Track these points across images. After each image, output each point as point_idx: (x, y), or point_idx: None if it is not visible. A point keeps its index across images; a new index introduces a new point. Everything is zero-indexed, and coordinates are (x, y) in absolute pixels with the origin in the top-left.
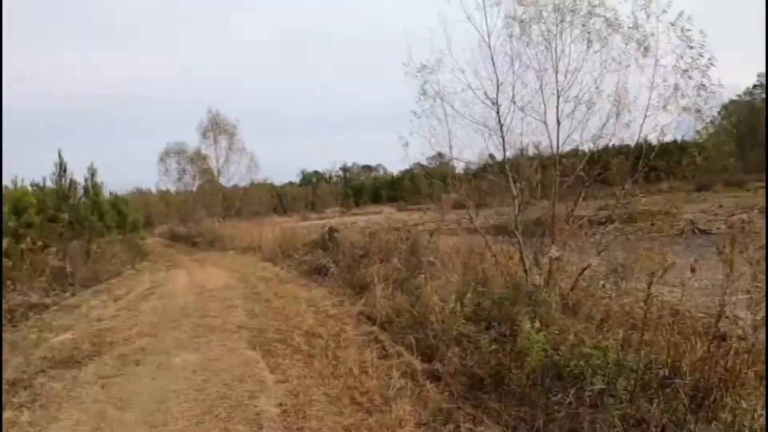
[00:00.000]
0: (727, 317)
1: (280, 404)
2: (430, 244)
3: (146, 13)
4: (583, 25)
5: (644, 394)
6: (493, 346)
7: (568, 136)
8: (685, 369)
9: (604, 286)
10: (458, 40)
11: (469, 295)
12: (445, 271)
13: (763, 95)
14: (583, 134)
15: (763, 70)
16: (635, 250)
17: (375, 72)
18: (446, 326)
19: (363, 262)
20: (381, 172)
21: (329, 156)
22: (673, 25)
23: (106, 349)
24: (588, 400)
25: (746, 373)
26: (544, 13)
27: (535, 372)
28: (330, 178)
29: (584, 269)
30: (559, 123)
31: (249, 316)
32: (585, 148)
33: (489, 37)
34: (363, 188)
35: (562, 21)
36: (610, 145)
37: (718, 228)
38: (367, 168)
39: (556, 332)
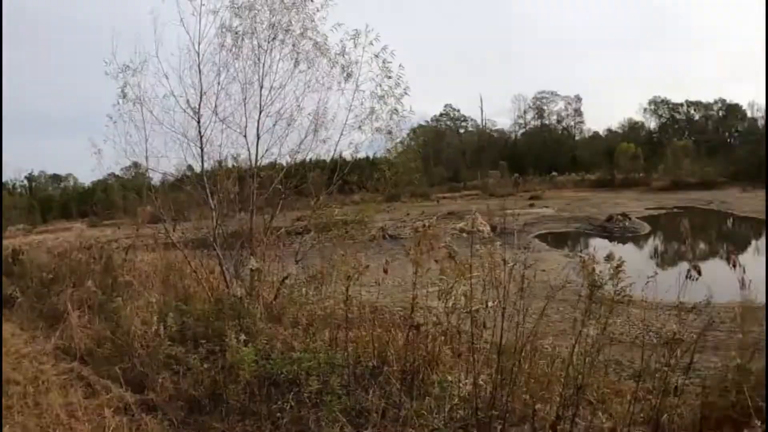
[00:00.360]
0: (421, 308)
1: None
2: (126, 262)
3: None
4: (294, 45)
5: (359, 386)
6: (205, 365)
7: (267, 150)
8: (391, 357)
9: (306, 292)
10: (167, 43)
11: (171, 314)
12: (145, 291)
13: (448, 122)
14: (282, 148)
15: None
16: (332, 257)
17: (70, 68)
18: (152, 351)
19: (54, 288)
20: (71, 182)
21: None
22: (377, 56)
23: None
24: (308, 401)
25: (444, 353)
26: (259, 28)
27: (250, 384)
28: (14, 188)
29: (285, 278)
30: (259, 137)
31: None
32: (283, 161)
33: (199, 44)
34: (51, 201)
35: (275, 38)
36: (308, 159)
37: (407, 233)
38: (56, 177)
39: (265, 341)
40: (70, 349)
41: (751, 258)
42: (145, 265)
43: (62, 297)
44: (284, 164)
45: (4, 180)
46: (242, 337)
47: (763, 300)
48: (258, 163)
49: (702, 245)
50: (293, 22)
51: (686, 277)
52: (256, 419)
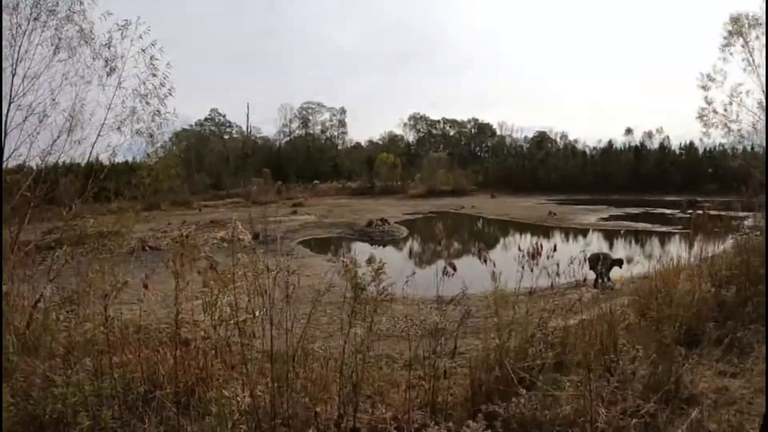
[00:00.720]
0: (187, 323)
1: None
2: None
3: None
4: (57, 29)
5: (133, 416)
6: None
7: (15, 150)
8: (162, 380)
9: (58, 317)
10: None
11: None
12: None
13: (213, 127)
14: (32, 149)
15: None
16: (88, 274)
17: None
18: None
19: None
20: None
21: None
22: (144, 51)
23: None
24: None
25: (217, 367)
26: (21, 5)
27: None
28: None
29: (37, 301)
30: (6, 133)
31: None
32: (33, 164)
33: None
34: None
35: (37, 18)
36: (61, 162)
37: (168, 244)
38: None
39: (22, 379)
40: None
41: (499, 254)
42: None
43: None
44: (34, 167)
45: None
46: None
47: (513, 287)
48: (4, 165)
49: (456, 244)
50: (59, 2)
51: (443, 273)
52: None
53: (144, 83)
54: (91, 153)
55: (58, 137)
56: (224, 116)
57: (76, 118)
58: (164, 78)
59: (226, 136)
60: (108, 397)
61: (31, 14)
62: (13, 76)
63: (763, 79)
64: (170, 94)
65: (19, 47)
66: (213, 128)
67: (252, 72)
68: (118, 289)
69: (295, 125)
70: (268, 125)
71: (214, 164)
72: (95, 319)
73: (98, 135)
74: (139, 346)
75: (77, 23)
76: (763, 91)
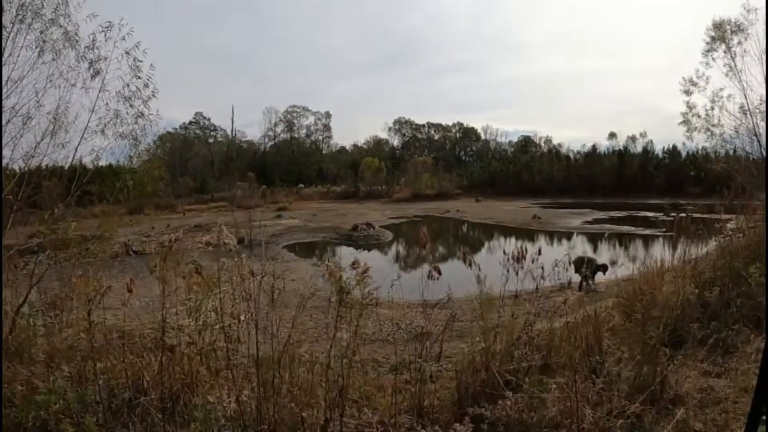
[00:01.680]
0: (172, 328)
1: None
2: None
3: None
4: (42, 32)
5: (118, 422)
6: None
7: None
8: (147, 386)
9: (43, 324)
10: None
11: None
12: None
13: (197, 131)
14: (14, 152)
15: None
16: (71, 278)
17: None
18: None
19: None
20: None
21: None
22: (128, 53)
23: None
24: None
25: (202, 373)
26: (6, 7)
27: None
28: None
29: (20, 306)
30: None
31: None
32: (16, 167)
33: None
34: None
35: (23, 21)
36: (44, 165)
37: (152, 248)
38: None
39: (5, 385)
40: None
41: (484, 257)
42: None
43: None
44: (17, 170)
45: None
46: None
47: (497, 291)
48: None
49: (441, 248)
50: (45, 5)
51: (428, 277)
52: None
53: (128, 85)
54: (74, 156)
55: (42, 140)
56: (209, 119)
57: (59, 120)
58: (148, 80)
59: (211, 140)
60: (92, 403)
61: (16, 16)
62: None
63: (764, 80)
64: (154, 96)
65: (3, 49)
66: (198, 131)
67: (237, 75)
68: (102, 294)
69: (280, 129)
70: (253, 129)
71: (199, 168)
72: (78, 325)
73: (82, 138)
74: (123, 352)
75: (62, 25)
76: (759, 95)
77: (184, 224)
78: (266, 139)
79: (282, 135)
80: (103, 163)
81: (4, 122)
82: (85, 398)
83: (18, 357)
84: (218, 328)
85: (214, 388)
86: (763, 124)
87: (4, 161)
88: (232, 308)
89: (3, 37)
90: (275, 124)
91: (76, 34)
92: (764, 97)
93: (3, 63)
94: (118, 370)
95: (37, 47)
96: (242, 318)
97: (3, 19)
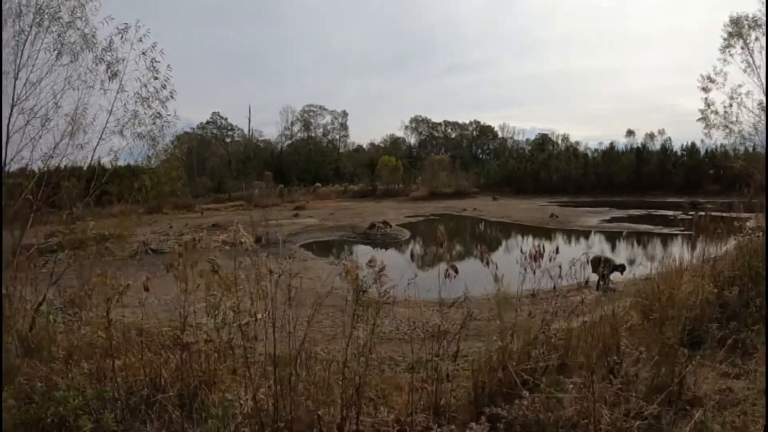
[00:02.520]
0: (190, 326)
1: None
2: None
3: None
4: (60, 35)
5: (136, 419)
6: None
7: (18, 153)
8: (164, 383)
9: (63, 321)
10: None
11: None
12: None
13: (215, 131)
14: (33, 152)
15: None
16: (90, 277)
17: None
18: None
19: None
20: None
21: None
22: (144, 54)
23: None
24: None
25: (220, 370)
26: (24, 11)
27: None
28: None
29: (40, 304)
30: (9, 137)
31: None
32: (35, 167)
33: None
34: None
35: (40, 24)
36: (62, 166)
37: (170, 247)
38: None
39: (25, 382)
40: None
41: (502, 256)
42: None
43: None
44: (36, 171)
45: None
46: None
47: (514, 290)
48: (7, 168)
49: (458, 247)
50: (62, 9)
51: (445, 276)
52: None
53: (145, 86)
54: (93, 156)
55: (61, 141)
56: (226, 119)
57: (78, 121)
58: (165, 80)
59: (228, 140)
60: (110, 400)
61: (33, 20)
62: (16, 80)
63: (764, 80)
64: (171, 97)
65: (22, 52)
66: (215, 131)
67: (253, 75)
68: (120, 292)
69: (296, 128)
70: (269, 128)
71: (216, 167)
72: (97, 322)
73: (100, 138)
74: (141, 349)
75: (79, 28)
76: (763, 91)
77: (202, 223)
78: (283, 139)
79: (299, 134)
80: (121, 163)
81: (22, 124)
82: (103, 395)
83: (37, 354)
84: (236, 326)
85: (232, 386)
86: None
87: (24, 162)
88: (250, 307)
89: (21, 40)
90: (292, 124)
91: (93, 36)
92: None
93: (22, 65)
94: (136, 368)
95: (54, 50)
96: (259, 316)
97: (21, 23)
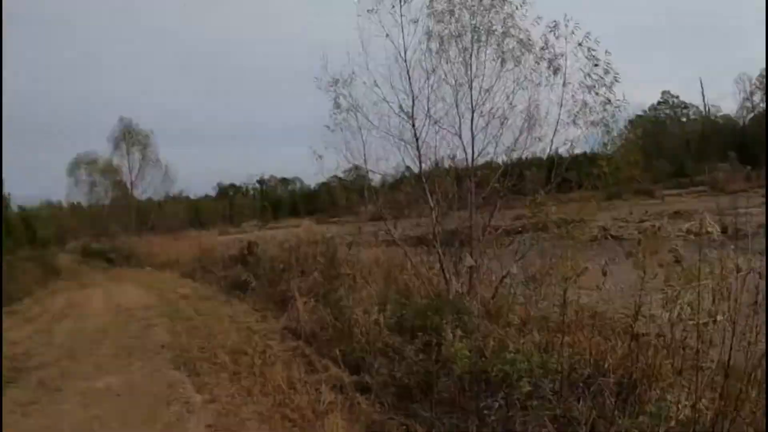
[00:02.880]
0: (643, 316)
1: (210, 426)
2: (350, 256)
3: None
4: (498, 45)
5: (571, 394)
6: (420, 356)
7: (483, 149)
8: (607, 367)
9: (516, 293)
10: (373, 54)
11: (390, 306)
12: (366, 283)
13: (667, 111)
14: (497, 147)
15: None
16: (551, 257)
17: (291, 87)
18: (371, 338)
19: (284, 276)
20: (298, 185)
21: (246, 169)
22: (580, 45)
23: (23, 374)
24: (517, 402)
25: (665, 368)
26: (463, 31)
27: (462, 379)
28: (247, 191)
29: (504, 277)
30: (473, 136)
31: (171, 335)
32: (499, 160)
33: (405, 52)
34: (281, 201)
35: (479, 40)
36: (524, 157)
37: (630, 234)
38: (284, 181)
39: (480, 339)
40: (295, 330)
41: None
42: (367, 260)
43: (291, 284)
44: (500, 163)
45: (238, 184)
46: (458, 332)
47: None
48: (474, 163)
49: None
50: (494, 23)
51: None
52: (463, 413)
53: (588, 75)
54: (551, 147)
55: (519, 136)
56: (677, 98)
57: (532, 117)
58: (607, 65)
59: (683, 119)
60: (552, 371)
61: (472, 38)
62: (471, 89)
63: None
64: (616, 81)
65: (471, 65)
66: (668, 111)
67: (697, 45)
68: (578, 274)
69: (757, 98)
70: (725, 101)
71: (674, 150)
72: (554, 299)
73: (555, 130)
74: (591, 331)
75: (514, 35)
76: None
77: (662, 210)
78: (744, 112)
79: (761, 104)
80: (578, 151)
81: (483, 124)
82: (547, 365)
83: (495, 318)
84: (692, 325)
85: (673, 388)
86: None
87: (489, 156)
88: (710, 306)
89: (467, 56)
90: (751, 93)
91: (529, 39)
92: None
93: (474, 76)
94: (582, 347)
95: (497, 58)
96: (719, 318)
97: (463, 42)
